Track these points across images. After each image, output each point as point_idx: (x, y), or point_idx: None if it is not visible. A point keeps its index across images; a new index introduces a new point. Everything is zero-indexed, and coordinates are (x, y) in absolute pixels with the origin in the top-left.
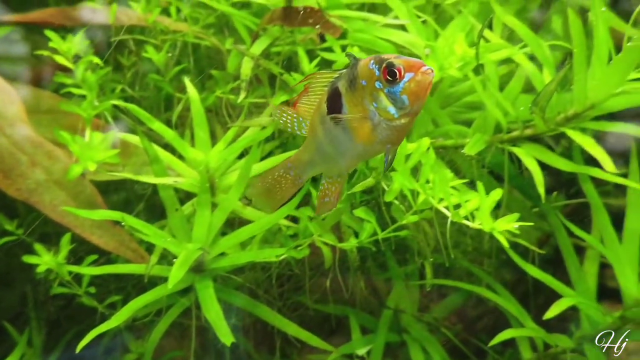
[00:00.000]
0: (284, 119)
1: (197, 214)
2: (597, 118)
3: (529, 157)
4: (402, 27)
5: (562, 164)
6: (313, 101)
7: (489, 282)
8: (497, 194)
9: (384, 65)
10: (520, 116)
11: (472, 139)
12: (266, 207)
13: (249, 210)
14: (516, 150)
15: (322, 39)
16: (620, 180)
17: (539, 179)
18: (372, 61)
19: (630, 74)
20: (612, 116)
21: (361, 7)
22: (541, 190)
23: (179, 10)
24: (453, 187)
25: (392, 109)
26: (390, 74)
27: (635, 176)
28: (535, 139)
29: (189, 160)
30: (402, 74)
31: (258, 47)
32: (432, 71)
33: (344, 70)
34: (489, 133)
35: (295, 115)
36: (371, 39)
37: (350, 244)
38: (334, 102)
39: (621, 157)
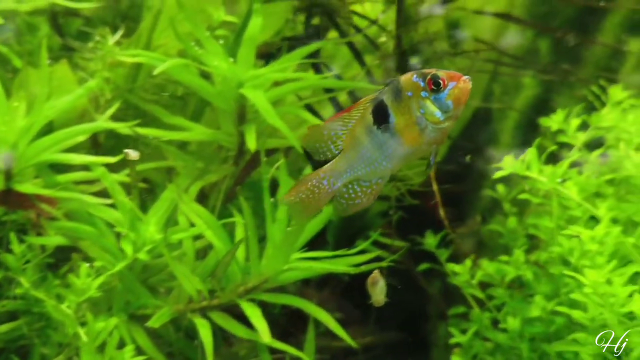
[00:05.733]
0: (317, 145)
1: None
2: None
3: (204, 328)
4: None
5: (242, 332)
6: (353, 116)
7: None
8: None
9: (428, 77)
10: (209, 287)
11: (158, 313)
12: (302, 217)
13: None
14: (197, 320)
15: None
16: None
17: (209, 350)
18: (414, 76)
19: (295, 255)
20: None
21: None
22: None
23: None
24: None
25: (438, 113)
26: (436, 84)
27: None
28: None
29: None
30: (446, 83)
31: None
32: (470, 80)
33: (384, 88)
34: (183, 303)
35: (327, 135)
36: (74, 227)
37: None
38: (381, 113)
39: None
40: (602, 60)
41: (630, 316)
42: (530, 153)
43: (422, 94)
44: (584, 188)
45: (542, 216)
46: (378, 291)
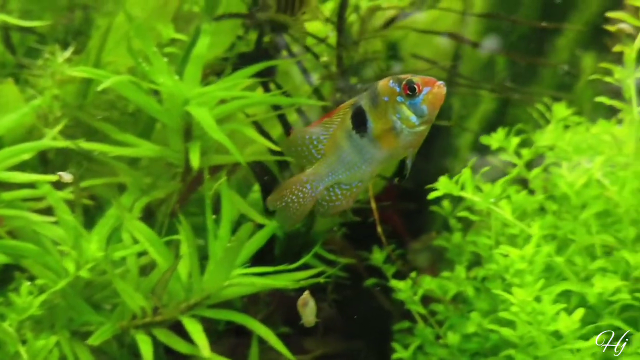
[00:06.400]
0: (299, 149)
1: None
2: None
3: (145, 343)
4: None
5: (183, 348)
6: (334, 121)
7: None
8: None
9: (403, 83)
10: (152, 304)
11: (100, 330)
12: (288, 222)
13: None
14: (138, 336)
15: None
16: None
17: None
18: (391, 81)
19: (237, 271)
20: None
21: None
22: None
23: None
24: None
25: (413, 118)
26: (411, 89)
27: None
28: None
29: None
30: (421, 88)
31: None
32: (444, 84)
33: (362, 94)
34: (127, 319)
35: (309, 139)
36: (16, 245)
37: None
38: (359, 118)
39: None
40: (557, 76)
41: (558, 334)
42: (465, 173)
43: (398, 99)
44: (520, 206)
45: (483, 232)
46: (308, 312)
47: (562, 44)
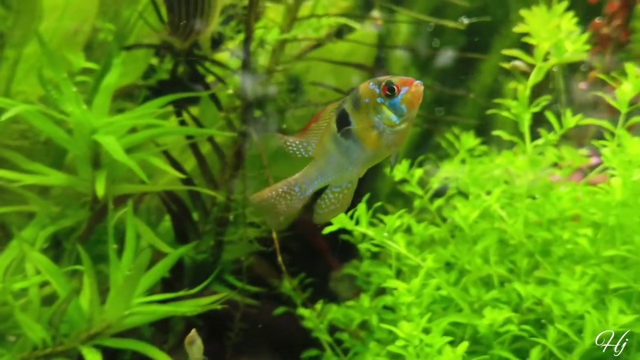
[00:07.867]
0: (292, 148)
1: None
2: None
3: None
4: None
5: None
6: (321, 126)
7: None
8: None
9: (383, 84)
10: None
11: None
12: (275, 224)
13: None
14: None
15: None
16: None
17: None
18: (371, 84)
19: (138, 299)
20: None
21: None
22: None
23: None
24: None
25: (394, 117)
26: (390, 90)
27: None
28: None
29: None
30: (399, 88)
31: None
32: (422, 84)
33: (346, 97)
34: (28, 350)
35: (300, 141)
36: None
37: None
38: (343, 121)
39: None
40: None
41: None
42: (360, 208)
43: (379, 100)
44: (421, 236)
45: (387, 262)
46: (195, 350)
47: (485, 69)
